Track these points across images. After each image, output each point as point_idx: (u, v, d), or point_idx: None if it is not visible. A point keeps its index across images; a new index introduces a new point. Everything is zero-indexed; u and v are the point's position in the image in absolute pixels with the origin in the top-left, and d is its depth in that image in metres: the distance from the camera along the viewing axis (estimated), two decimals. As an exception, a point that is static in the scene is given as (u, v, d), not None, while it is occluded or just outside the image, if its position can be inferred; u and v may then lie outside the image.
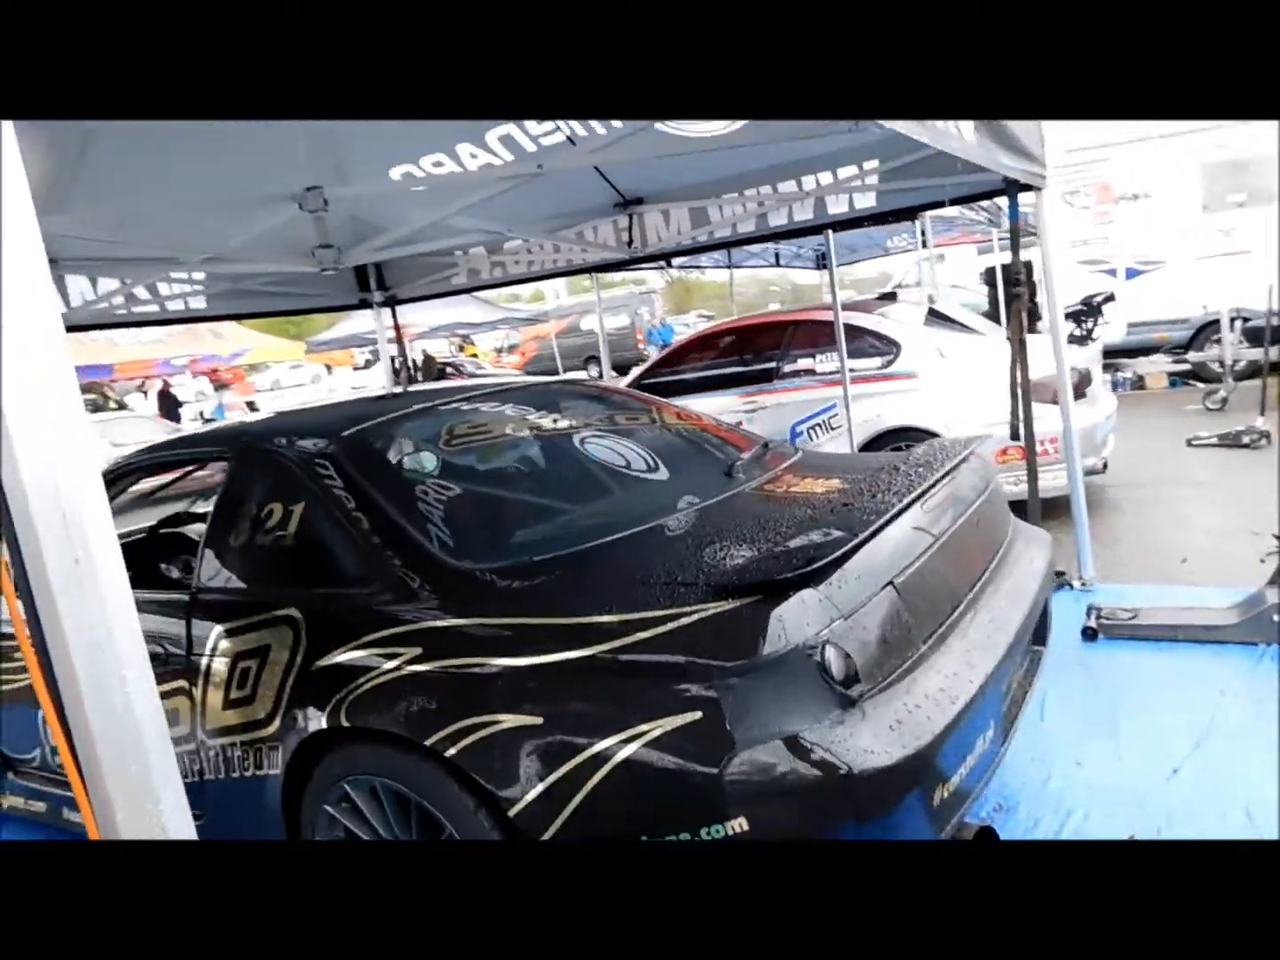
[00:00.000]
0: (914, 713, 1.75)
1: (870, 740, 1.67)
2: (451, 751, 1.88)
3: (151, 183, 3.43)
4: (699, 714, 1.69)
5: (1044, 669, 2.59)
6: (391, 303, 6.21)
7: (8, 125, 1.06)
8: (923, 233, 11.22)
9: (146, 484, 3.26)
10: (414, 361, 24.29)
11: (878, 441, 5.51)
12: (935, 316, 5.98)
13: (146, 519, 3.64)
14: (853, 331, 5.81)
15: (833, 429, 5.69)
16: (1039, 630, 2.53)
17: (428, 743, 1.91)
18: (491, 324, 24.63)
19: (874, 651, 1.77)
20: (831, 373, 5.78)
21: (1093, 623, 3.68)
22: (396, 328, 6.35)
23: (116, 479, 2.96)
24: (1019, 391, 4.12)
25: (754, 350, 6.18)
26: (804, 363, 5.92)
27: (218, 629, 2.40)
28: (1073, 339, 7.28)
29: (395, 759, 1.99)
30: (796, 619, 1.70)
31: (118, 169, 3.36)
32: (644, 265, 7.12)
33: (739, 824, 1.66)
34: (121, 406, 22.08)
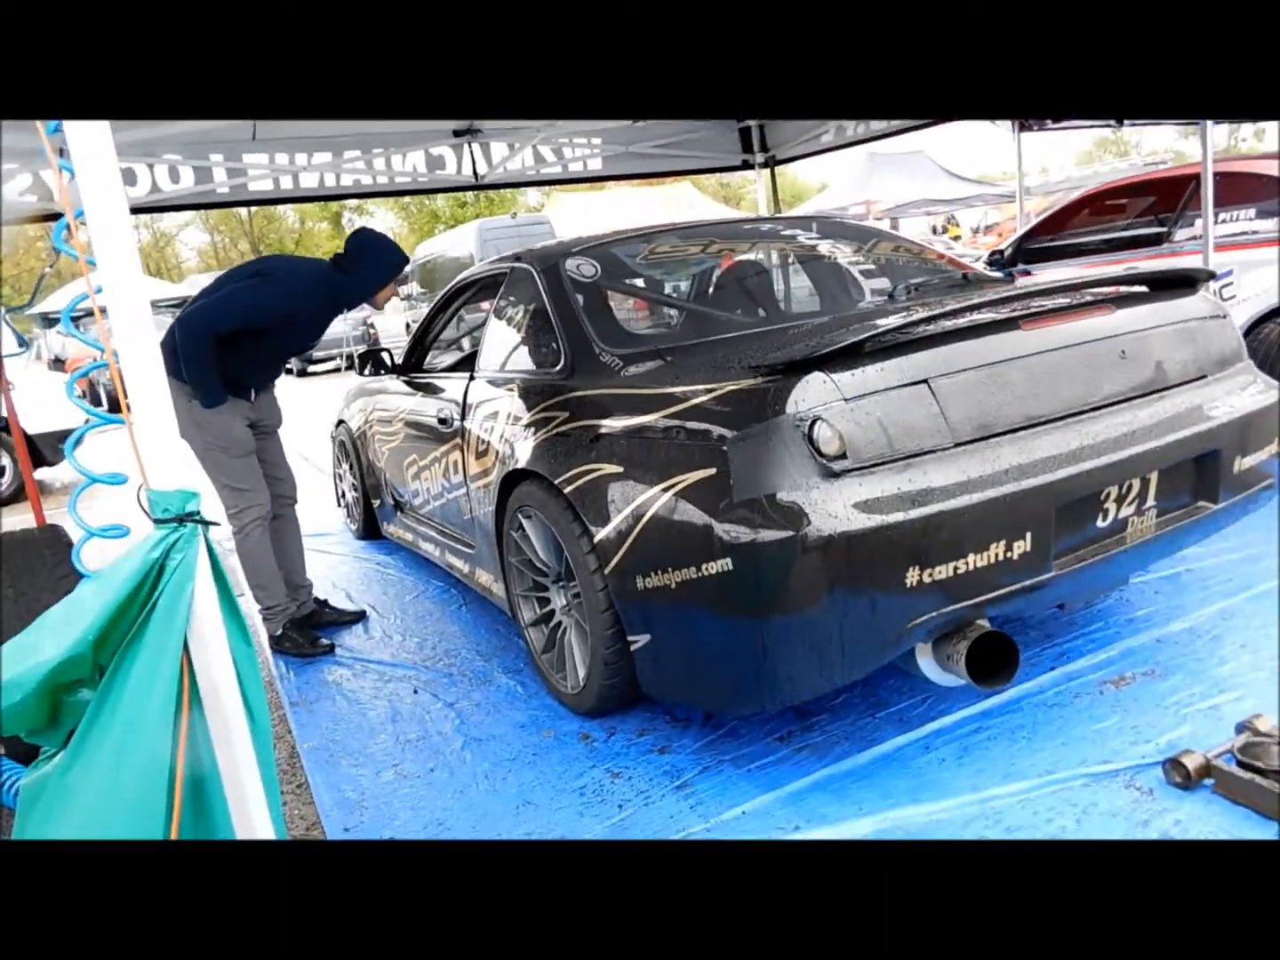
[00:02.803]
0: (901, 496, 1.87)
1: (840, 509, 1.84)
2: (568, 490, 2.40)
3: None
4: (714, 469, 2.00)
5: (1203, 529, 2.36)
6: (771, 163, 6.54)
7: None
8: None
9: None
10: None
11: (1273, 318, 4.71)
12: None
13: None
14: (1271, 184, 4.94)
15: (1225, 300, 4.95)
16: (1209, 484, 2.31)
17: (556, 482, 2.44)
18: (965, 200, 23.36)
19: (873, 435, 1.90)
20: (1235, 235, 5.00)
21: None
22: (774, 189, 6.66)
23: (456, 294, 3.82)
24: None
25: (1146, 211, 5.50)
26: (1202, 225, 5.15)
27: (476, 399, 3.14)
28: None
29: (541, 495, 2.55)
30: (798, 395, 1.91)
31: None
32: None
33: (725, 564, 1.96)
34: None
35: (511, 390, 2.90)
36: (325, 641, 3.44)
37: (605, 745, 2.50)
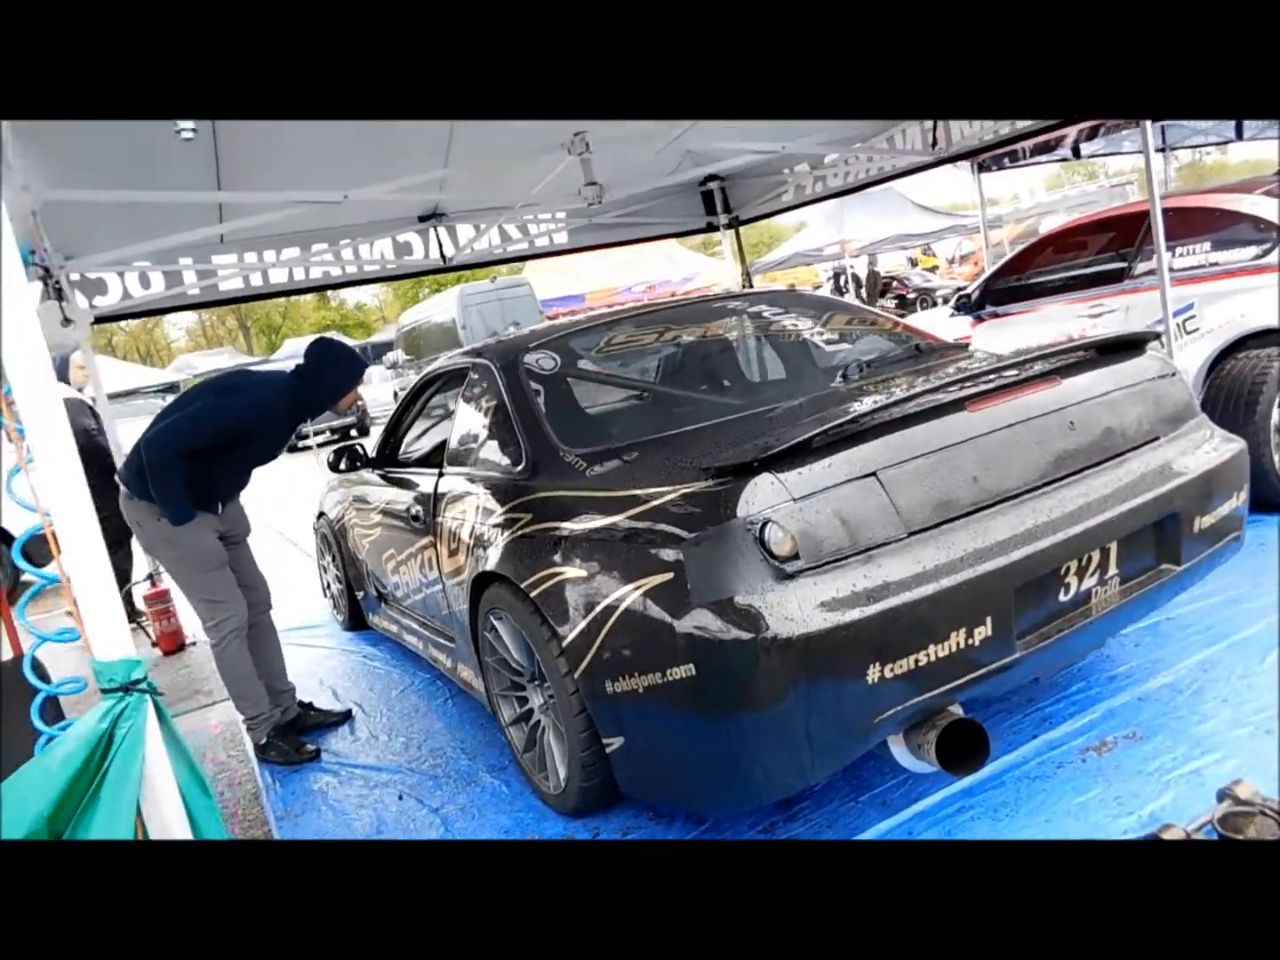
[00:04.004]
0: (857, 592, 1.87)
1: (797, 610, 1.85)
2: (535, 593, 2.40)
3: (469, 145, 4.26)
4: (671, 574, 2.01)
5: (1170, 590, 2.37)
6: (735, 223, 6.64)
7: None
8: None
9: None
10: (854, 276, 24.31)
11: (1238, 347, 4.75)
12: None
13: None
14: (1223, 217, 5.03)
15: (1188, 333, 5.01)
16: (1170, 547, 2.32)
17: (522, 585, 2.44)
18: (938, 233, 23.74)
19: (825, 533, 1.91)
20: (1192, 268, 5.07)
21: None
22: (740, 249, 6.75)
23: (424, 387, 3.85)
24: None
25: (1105, 248, 5.58)
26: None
27: (445, 497, 3.15)
28: None
29: (509, 597, 2.55)
30: (748, 497, 1.92)
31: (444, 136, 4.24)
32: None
33: (689, 669, 1.96)
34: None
35: (478, 489, 2.92)
36: (311, 747, 3.41)
37: (590, 847, 2.48)
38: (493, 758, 3.12)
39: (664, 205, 6.37)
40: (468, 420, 3.20)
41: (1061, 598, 2.14)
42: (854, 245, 22.58)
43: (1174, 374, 2.56)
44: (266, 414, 3.16)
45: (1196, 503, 2.34)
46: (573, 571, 2.29)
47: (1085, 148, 8.89)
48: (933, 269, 28.97)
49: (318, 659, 4.57)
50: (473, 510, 2.90)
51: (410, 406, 3.99)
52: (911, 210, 23.13)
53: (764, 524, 1.90)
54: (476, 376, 3.18)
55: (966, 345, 3.10)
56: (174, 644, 5.12)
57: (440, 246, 5.72)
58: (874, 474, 1.98)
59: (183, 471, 3.02)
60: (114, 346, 46.67)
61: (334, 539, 4.73)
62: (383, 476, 3.98)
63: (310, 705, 3.70)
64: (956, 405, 2.12)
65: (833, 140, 5.24)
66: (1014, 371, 2.31)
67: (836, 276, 25.04)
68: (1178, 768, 2.31)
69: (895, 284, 25.73)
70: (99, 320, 5.03)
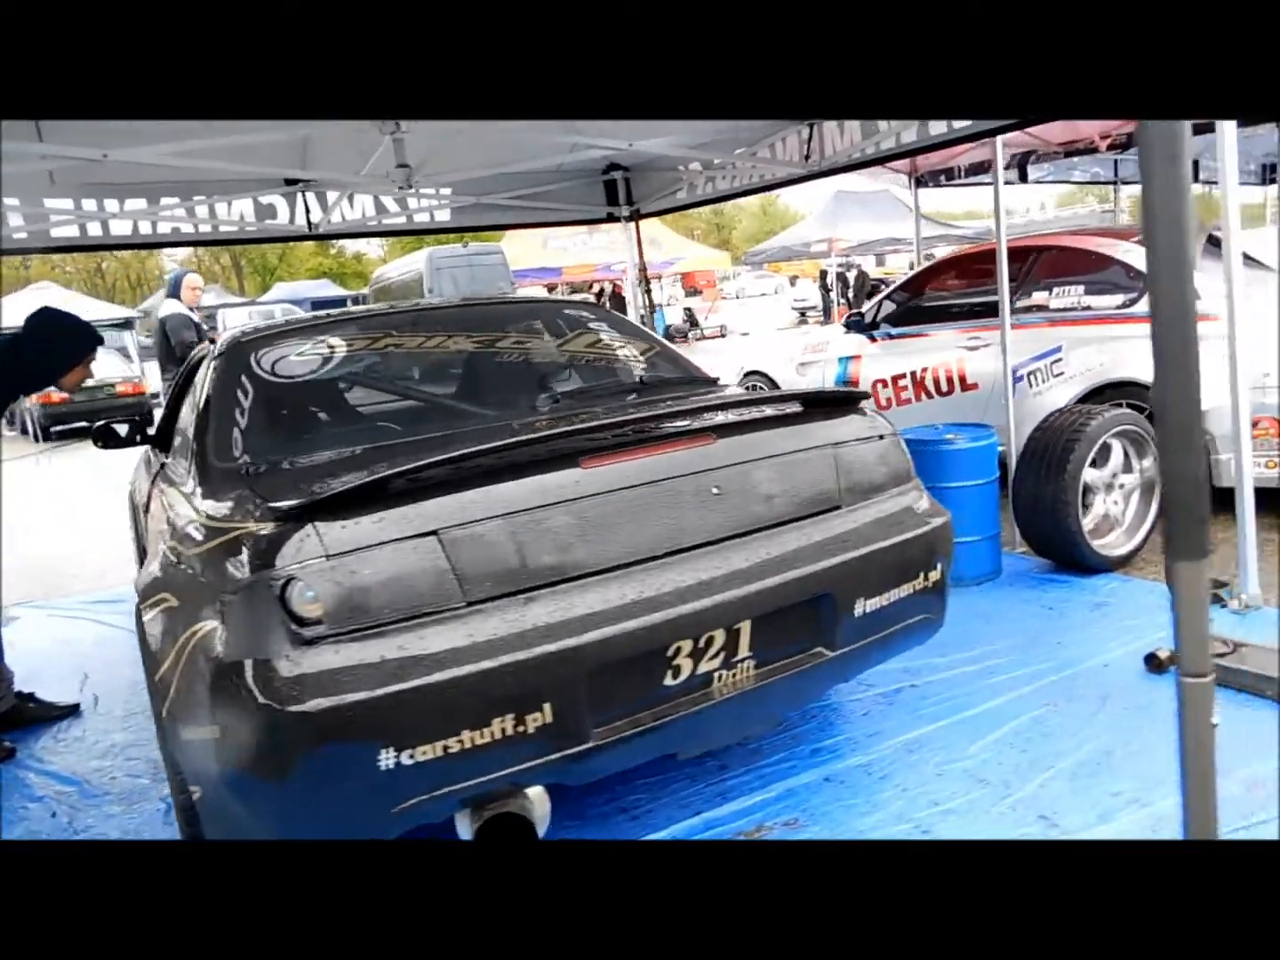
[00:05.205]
0: (378, 668, 1.66)
1: (305, 681, 1.64)
2: (145, 618, 2.19)
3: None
4: (216, 623, 1.80)
5: (827, 676, 2.16)
6: (636, 216, 6.39)
7: None
8: None
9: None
10: (839, 275, 23.99)
11: (1096, 396, 4.55)
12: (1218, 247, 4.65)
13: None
14: (1096, 261, 4.82)
15: (1054, 377, 4.79)
16: (825, 629, 2.11)
17: (141, 606, 2.23)
18: (930, 240, 23.47)
19: (359, 598, 1.69)
20: (1065, 310, 4.86)
21: (1165, 652, 2.84)
22: (639, 241, 6.50)
23: (196, 367, 3.61)
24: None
25: (990, 280, 5.34)
26: (1038, 296, 5.01)
27: (154, 492, 2.94)
28: None
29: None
30: (286, 548, 1.70)
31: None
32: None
33: (215, 731, 1.75)
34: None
35: (166, 488, 2.70)
36: (7, 745, 3.20)
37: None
38: (177, 774, 2.92)
39: (562, 191, 6.10)
40: (183, 410, 2.98)
41: (669, 681, 1.93)
42: (841, 245, 22.26)
43: (882, 436, 2.34)
44: None
45: (862, 582, 2.12)
46: (168, 603, 2.08)
47: (1033, 171, 8.61)
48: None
49: (95, 639, 4.39)
50: (158, 510, 2.69)
51: (185, 385, 3.75)
52: (907, 215, 22.80)
53: (287, 581, 1.68)
54: (202, 363, 2.95)
55: (716, 380, 2.86)
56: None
57: (307, 212, 5.46)
58: (435, 533, 1.76)
59: None
60: (103, 273, 46.04)
61: (132, 511, 4.52)
62: (148, 458, 3.76)
63: (31, 696, 3.48)
64: (566, 461, 1.90)
65: (711, 142, 4.99)
66: (678, 423, 2.09)
67: (823, 275, 24.74)
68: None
69: (882, 286, 25.42)
70: None
